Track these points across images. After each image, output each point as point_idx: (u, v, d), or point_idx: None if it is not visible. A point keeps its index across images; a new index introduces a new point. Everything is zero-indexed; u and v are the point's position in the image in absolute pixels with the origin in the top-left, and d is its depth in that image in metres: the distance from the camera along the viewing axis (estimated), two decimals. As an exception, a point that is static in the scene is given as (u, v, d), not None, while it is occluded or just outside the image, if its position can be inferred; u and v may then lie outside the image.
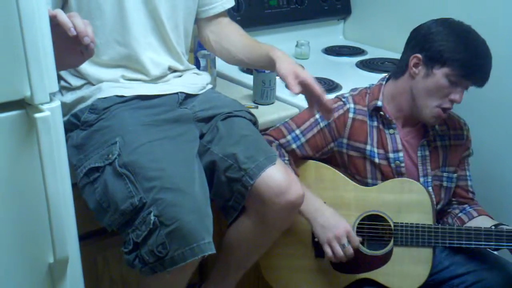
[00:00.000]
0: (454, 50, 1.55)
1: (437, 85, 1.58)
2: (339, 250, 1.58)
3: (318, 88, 1.44)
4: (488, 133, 2.12)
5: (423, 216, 1.62)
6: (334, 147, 1.70)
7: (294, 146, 1.68)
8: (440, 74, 1.57)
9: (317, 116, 1.68)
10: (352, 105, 1.69)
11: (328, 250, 1.59)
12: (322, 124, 1.67)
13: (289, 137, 1.68)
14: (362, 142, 1.68)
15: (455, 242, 1.61)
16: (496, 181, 2.18)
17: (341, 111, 1.68)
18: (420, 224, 1.62)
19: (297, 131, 1.68)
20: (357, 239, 1.60)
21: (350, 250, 1.58)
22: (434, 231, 1.61)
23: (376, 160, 1.67)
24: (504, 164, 2.17)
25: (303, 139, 1.68)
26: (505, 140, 2.14)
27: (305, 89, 1.44)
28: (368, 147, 1.67)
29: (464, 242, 1.60)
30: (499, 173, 2.18)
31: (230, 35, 1.69)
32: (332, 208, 1.63)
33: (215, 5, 1.68)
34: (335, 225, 1.59)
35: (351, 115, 1.68)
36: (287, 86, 1.46)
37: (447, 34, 1.58)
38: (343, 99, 1.70)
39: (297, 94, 1.43)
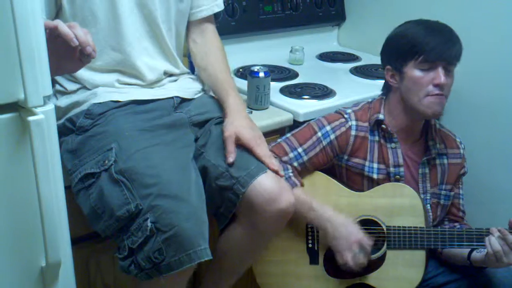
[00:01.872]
0: (405, 43, 1.60)
1: (414, 79, 1.60)
2: (349, 259, 1.58)
3: (259, 152, 1.46)
4: (479, 138, 2.12)
5: (415, 219, 1.63)
6: (334, 161, 1.70)
7: (295, 164, 1.67)
8: (409, 70, 1.60)
9: (320, 134, 1.67)
10: (354, 122, 1.68)
11: (340, 258, 1.59)
12: (324, 142, 1.67)
13: (291, 155, 1.67)
14: (361, 158, 1.68)
15: (447, 244, 1.62)
16: (487, 186, 2.18)
17: (343, 129, 1.67)
18: (412, 227, 1.62)
19: (300, 149, 1.67)
20: (368, 247, 1.59)
21: (361, 259, 1.58)
22: (427, 234, 1.62)
23: (375, 176, 1.68)
24: (494, 169, 2.18)
25: (305, 158, 1.67)
26: (496, 144, 2.15)
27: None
28: (367, 163, 1.68)
29: (456, 243, 1.61)
30: (490, 179, 2.19)
31: (207, 57, 1.67)
32: (343, 215, 1.62)
33: (203, 8, 1.67)
34: (347, 235, 1.59)
35: (353, 132, 1.67)
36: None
37: (397, 31, 1.65)
38: (345, 116, 1.69)
39: (231, 164, 1.43)
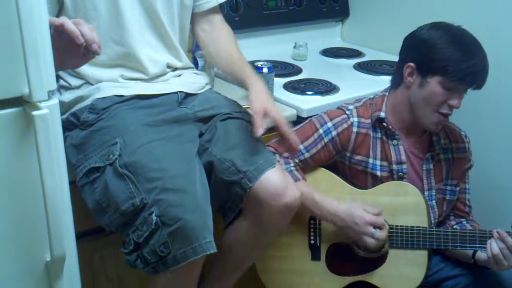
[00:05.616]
0: (443, 57, 1.54)
1: (432, 93, 1.57)
2: (369, 242, 1.59)
3: (285, 128, 1.46)
4: (486, 136, 2.12)
5: (418, 218, 1.63)
6: (337, 158, 1.70)
7: (296, 160, 1.67)
8: (434, 83, 1.56)
9: (321, 131, 1.67)
10: (356, 119, 1.67)
11: (361, 244, 1.61)
12: (326, 139, 1.66)
13: None
14: (365, 155, 1.67)
15: (450, 244, 1.61)
16: (494, 184, 2.18)
17: (345, 125, 1.67)
18: (415, 227, 1.62)
19: (301, 147, 1.66)
20: (381, 222, 1.59)
21: (381, 235, 1.58)
22: (429, 234, 1.61)
23: (378, 173, 1.67)
24: (502, 167, 2.17)
25: (307, 155, 1.67)
26: (504, 142, 2.15)
27: (274, 124, 1.47)
28: (371, 161, 1.67)
29: (458, 244, 1.61)
30: (497, 176, 2.19)
31: (218, 42, 1.67)
32: (346, 202, 1.62)
33: None
34: (354, 221, 1.59)
35: (355, 129, 1.67)
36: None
37: (436, 40, 1.56)
38: (347, 112, 1.68)
39: (259, 135, 1.42)
